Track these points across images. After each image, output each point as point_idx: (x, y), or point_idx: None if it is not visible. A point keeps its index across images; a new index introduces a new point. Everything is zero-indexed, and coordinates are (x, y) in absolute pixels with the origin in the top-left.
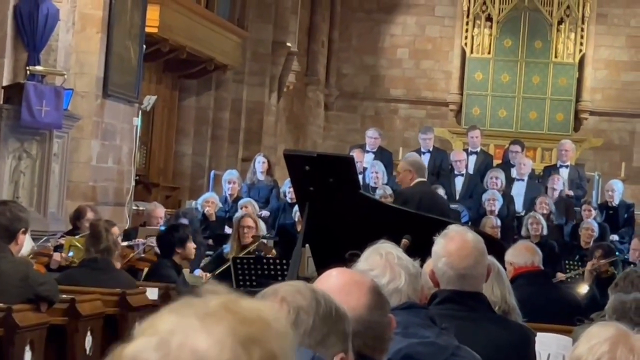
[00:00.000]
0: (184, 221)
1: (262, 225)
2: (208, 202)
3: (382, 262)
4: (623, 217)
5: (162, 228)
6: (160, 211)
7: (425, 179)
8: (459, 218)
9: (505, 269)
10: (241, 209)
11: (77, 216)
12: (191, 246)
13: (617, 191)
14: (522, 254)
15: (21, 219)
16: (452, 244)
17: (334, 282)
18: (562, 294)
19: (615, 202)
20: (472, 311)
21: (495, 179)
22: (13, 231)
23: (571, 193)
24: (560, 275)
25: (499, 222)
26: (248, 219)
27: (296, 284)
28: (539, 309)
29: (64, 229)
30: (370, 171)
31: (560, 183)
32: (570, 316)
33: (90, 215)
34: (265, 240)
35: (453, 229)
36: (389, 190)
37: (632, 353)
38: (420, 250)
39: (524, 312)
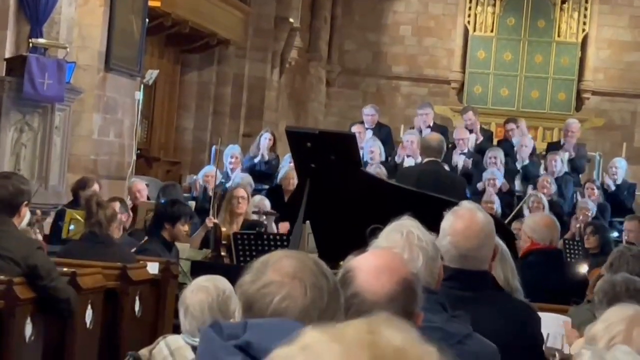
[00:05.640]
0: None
1: (267, 202)
2: (208, 176)
3: (402, 242)
4: (624, 196)
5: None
6: (139, 185)
7: (434, 158)
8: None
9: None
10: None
11: (81, 186)
12: (181, 228)
13: (620, 169)
14: (542, 231)
15: (23, 191)
16: (460, 222)
17: (369, 261)
18: (573, 276)
19: (619, 180)
20: (475, 290)
21: (494, 158)
22: (16, 204)
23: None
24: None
25: (499, 201)
26: (241, 189)
27: (297, 255)
28: (550, 290)
29: (65, 202)
30: (367, 148)
31: (558, 163)
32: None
33: (95, 187)
34: (265, 217)
35: (465, 206)
36: (383, 170)
37: None
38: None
39: (534, 291)
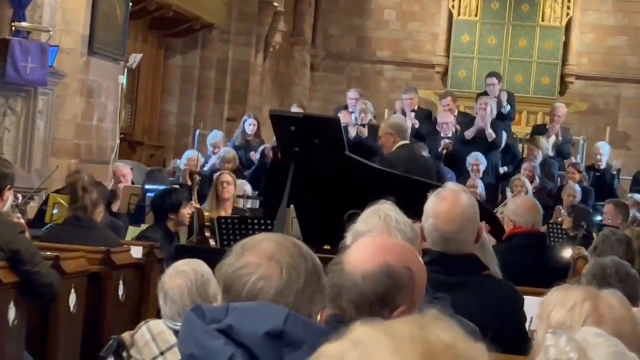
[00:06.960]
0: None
1: (248, 187)
2: (190, 161)
3: (380, 224)
4: (609, 180)
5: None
6: (124, 169)
7: (407, 142)
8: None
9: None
10: (224, 162)
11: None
12: (185, 212)
13: (604, 154)
14: (524, 214)
15: (7, 175)
16: (442, 205)
17: (370, 239)
18: (556, 259)
19: (603, 164)
20: (458, 275)
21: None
22: None
23: (552, 154)
24: None
25: (483, 185)
26: (226, 174)
27: (276, 237)
28: (533, 273)
29: (48, 186)
30: (359, 110)
31: (539, 153)
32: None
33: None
34: (250, 202)
35: (449, 188)
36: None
37: (612, 307)
38: (406, 212)
39: (517, 274)
